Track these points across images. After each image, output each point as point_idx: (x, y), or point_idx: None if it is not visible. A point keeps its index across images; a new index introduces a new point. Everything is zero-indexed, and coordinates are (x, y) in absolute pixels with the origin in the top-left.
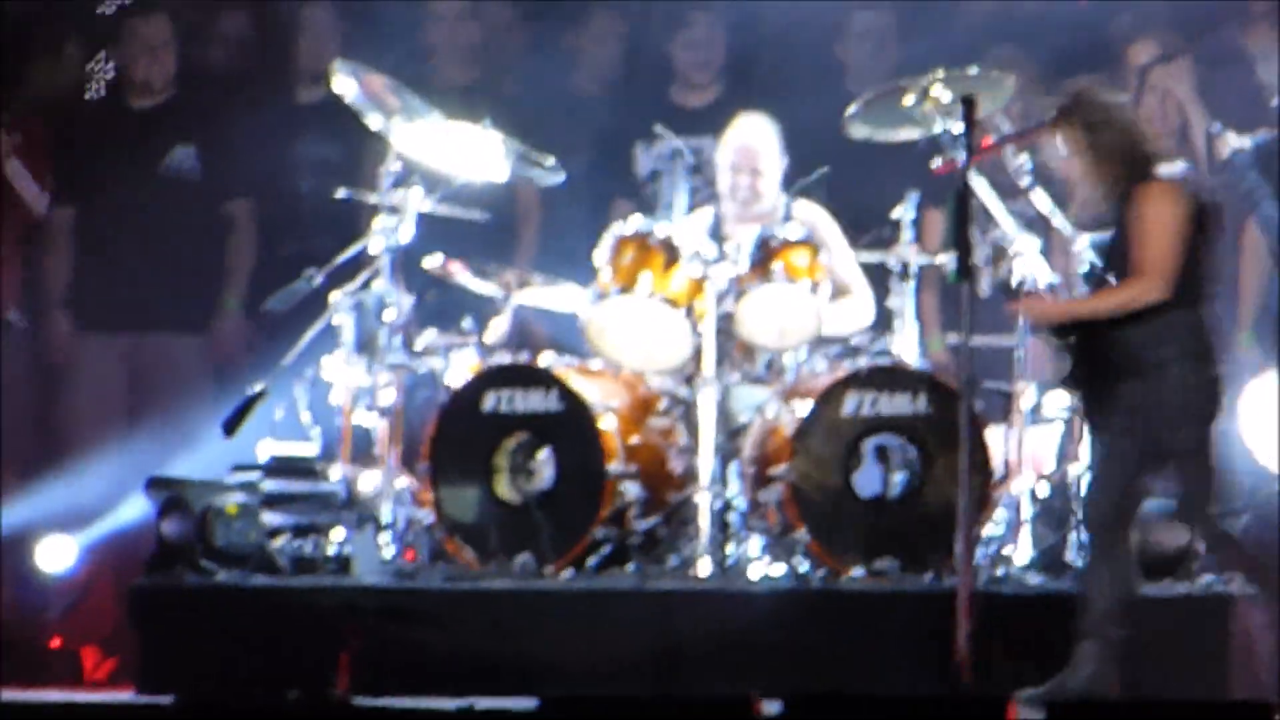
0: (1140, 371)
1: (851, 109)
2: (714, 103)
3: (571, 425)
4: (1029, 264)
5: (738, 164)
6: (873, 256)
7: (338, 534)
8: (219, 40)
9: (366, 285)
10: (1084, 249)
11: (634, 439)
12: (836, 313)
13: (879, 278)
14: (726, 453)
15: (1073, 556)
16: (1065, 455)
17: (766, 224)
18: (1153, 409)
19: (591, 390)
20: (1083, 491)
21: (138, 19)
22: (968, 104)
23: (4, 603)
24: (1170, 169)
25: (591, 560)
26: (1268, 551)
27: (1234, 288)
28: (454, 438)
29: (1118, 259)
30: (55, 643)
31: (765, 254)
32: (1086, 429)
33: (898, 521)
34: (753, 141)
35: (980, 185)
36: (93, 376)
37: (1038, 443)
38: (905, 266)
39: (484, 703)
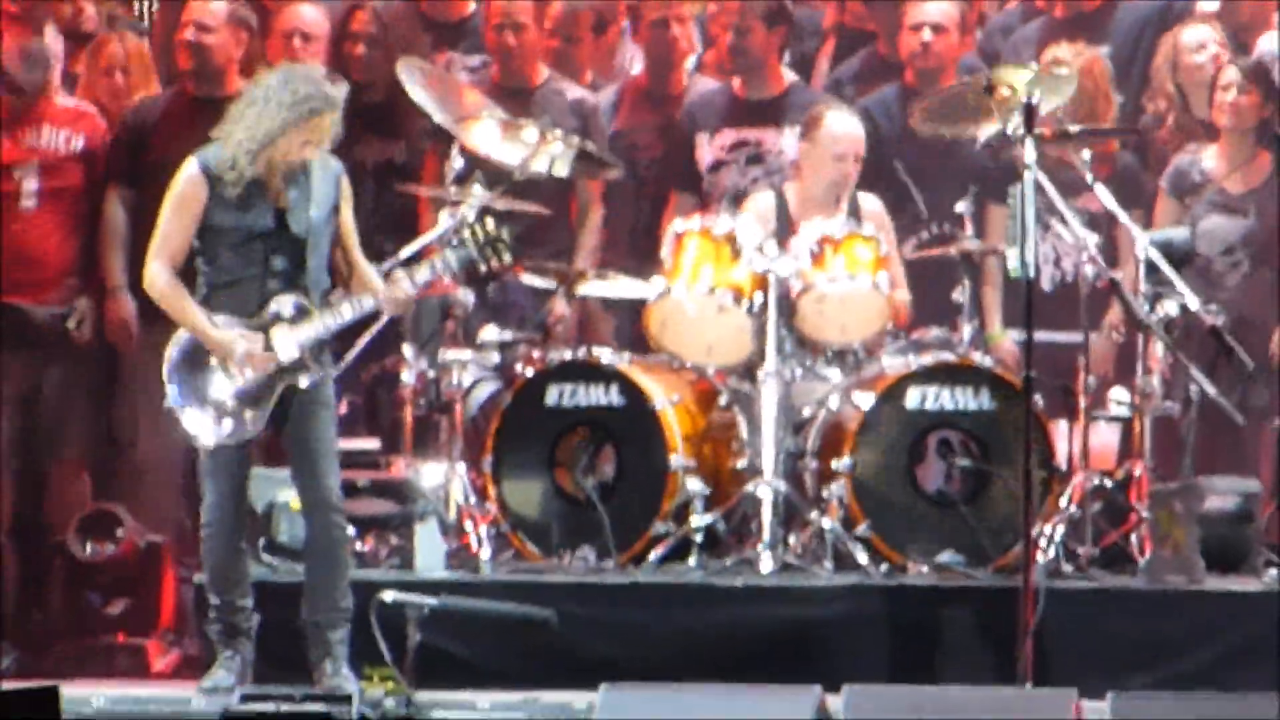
0: None
1: (918, 105)
2: (780, 95)
3: (633, 419)
4: (1089, 260)
5: (843, 152)
6: (935, 250)
7: (400, 528)
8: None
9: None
10: (1145, 246)
11: (695, 433)
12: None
13: (941, 272)
14: (789, 447)
15: (1136, 551)
16: (1128, 450)
17: (828, 215)
18: None
19: (653, 384)
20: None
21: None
22: (1031, 100)
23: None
24: None
25: (654, 555)
26: None
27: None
28: (517, 432)
29: None
30: (121, 637)
31: (827, 248)
32: None
33: (961, 516)
34: (855, 131)
35: (1042, 180)
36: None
37: (1100, 438)
38: (967, 260)
39: (546, 696)
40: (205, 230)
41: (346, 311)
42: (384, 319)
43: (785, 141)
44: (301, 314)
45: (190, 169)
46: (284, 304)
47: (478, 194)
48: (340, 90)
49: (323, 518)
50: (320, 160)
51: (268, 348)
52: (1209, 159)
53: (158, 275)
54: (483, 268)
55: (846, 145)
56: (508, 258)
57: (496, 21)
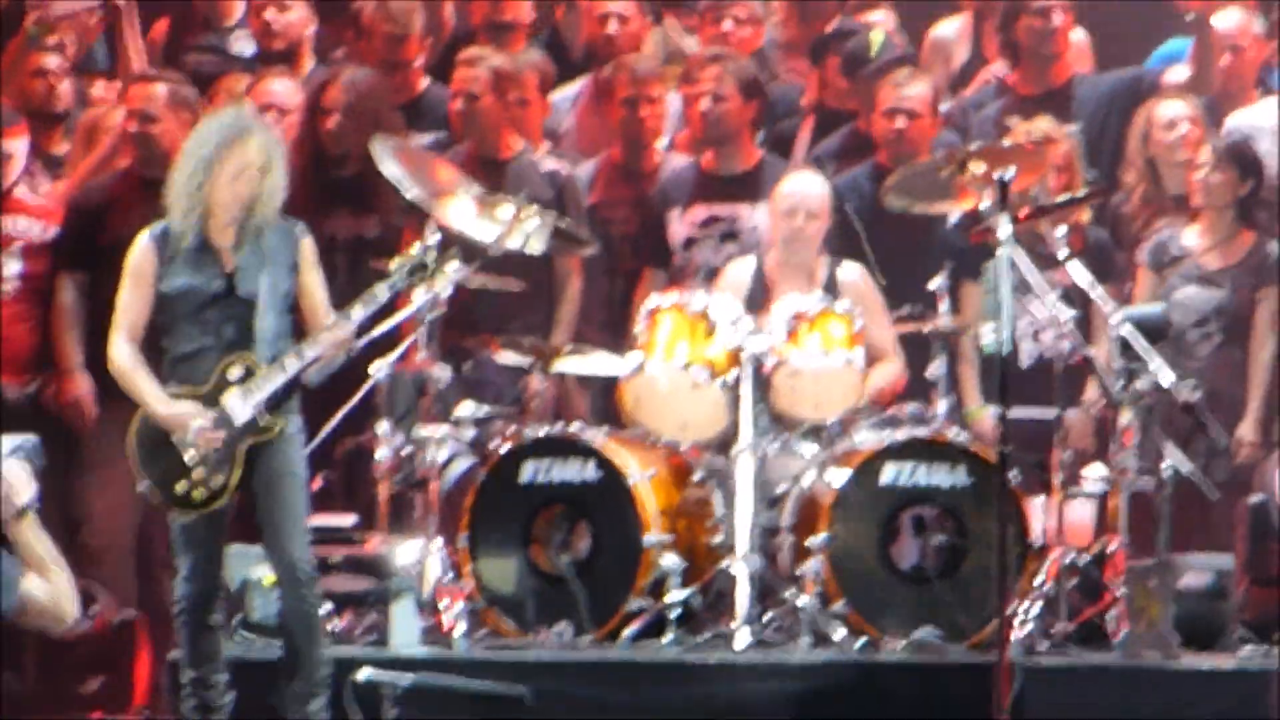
0: None
1: (890, 181)
2: (752, 170)
3: (608, 495)
4: (1065, 336)
5: (791, 208)
6: (910, 328)
7: (375, 605)
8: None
9: (404, 356)
10: (1121, 321)
11: (671, 509)
12: (872, 377)
13: (916, 348)
14: (764, 523)
15: (1112, 627)
16: (1103, 526)
17: (805, 289)
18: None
19: (628, 460)
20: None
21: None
22: (1004, 177)
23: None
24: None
25: (629, 631)
26: None
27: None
28: (492, 508)
29: None
30: (96, 715)
31: (802, 324)
32: None
33: (936, 592)
34: (810, 189)
35: (1018, 256)
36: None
37: (1075, 514)
38: (942, 337)
39: None
40: (161, 301)
41: (291, 364)
42: (360, 395)
43: (759, 217)
44: (249, 374)
45: (141, 241)
46: (231, 368)
47: (453, 270)
48: (255, 117)
49: (295, 589)
50: (277, 223)
51: (220, 416)
52: (1189, 236)
53: (118, 350)
54: (413, 293)
55: (795, 201)
56: (439, 282)
57: (454, 89)
